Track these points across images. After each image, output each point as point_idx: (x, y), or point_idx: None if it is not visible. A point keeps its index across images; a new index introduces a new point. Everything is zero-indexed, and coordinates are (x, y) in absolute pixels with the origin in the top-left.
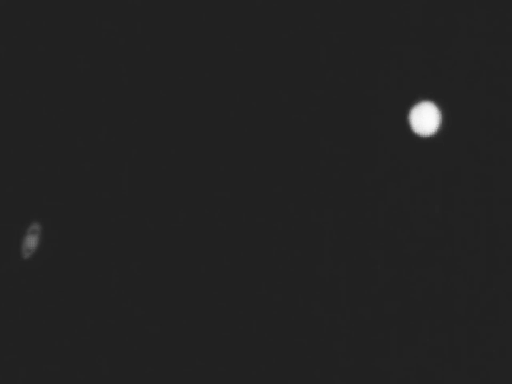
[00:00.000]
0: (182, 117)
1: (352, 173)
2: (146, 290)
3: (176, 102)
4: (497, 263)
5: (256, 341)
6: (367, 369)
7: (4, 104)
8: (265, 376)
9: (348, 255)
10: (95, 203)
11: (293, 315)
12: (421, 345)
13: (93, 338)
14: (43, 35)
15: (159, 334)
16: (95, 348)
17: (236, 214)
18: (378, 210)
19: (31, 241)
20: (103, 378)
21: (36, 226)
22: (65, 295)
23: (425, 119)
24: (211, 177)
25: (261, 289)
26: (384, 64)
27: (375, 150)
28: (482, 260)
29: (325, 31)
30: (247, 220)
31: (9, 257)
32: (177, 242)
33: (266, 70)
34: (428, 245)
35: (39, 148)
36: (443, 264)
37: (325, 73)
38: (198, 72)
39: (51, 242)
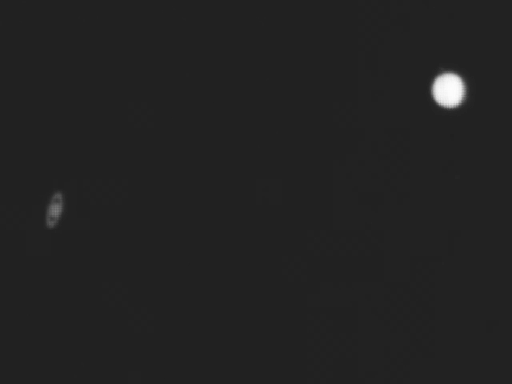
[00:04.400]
0: (180, 117)
1: (372, 147)
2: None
3: (175, 101)
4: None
5: (255, 340)
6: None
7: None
8: (265, 375)
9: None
10: (117, 173)
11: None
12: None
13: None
14: (42, 34)
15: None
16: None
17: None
18: (400, 186)
19: (54, 210)
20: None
21: (58, 195)
22: (88, 264)
23: (448, 90)
24: (209, 177)
25: (259, 288)
26: (406, 35)
27: (398, 122)
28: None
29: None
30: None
31: (33, 226)
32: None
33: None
34: (450, 219)
35: (60, 120)
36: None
37: (344, 41)
38: (196, 71)
39: (74, 211)
